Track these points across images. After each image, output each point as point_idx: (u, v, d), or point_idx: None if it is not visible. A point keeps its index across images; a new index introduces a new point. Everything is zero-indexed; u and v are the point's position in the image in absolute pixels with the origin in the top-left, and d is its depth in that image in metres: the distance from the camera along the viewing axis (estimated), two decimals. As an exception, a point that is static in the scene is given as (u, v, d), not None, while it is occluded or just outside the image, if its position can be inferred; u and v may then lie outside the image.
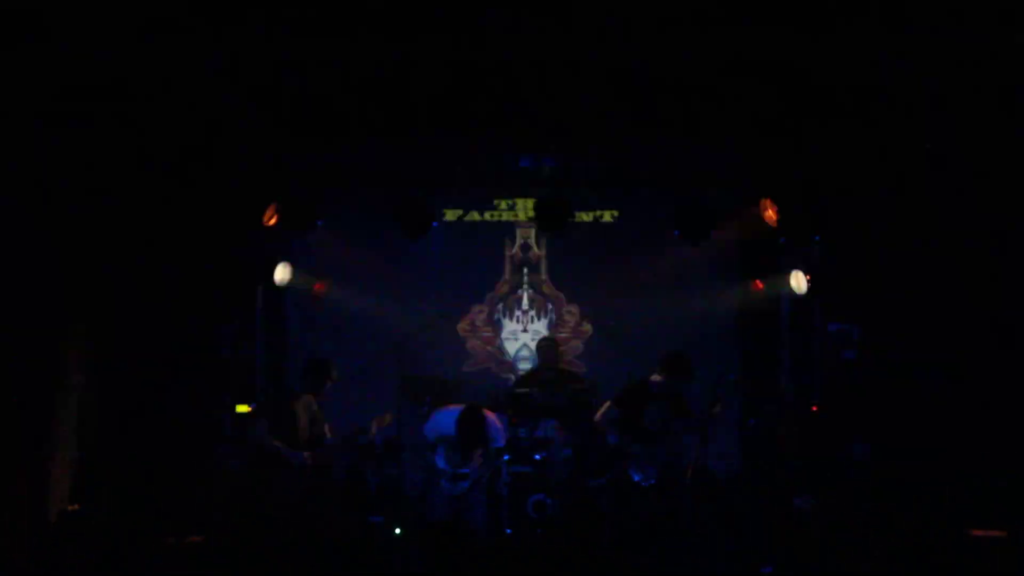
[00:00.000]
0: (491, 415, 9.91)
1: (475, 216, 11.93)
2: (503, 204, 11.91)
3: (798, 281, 10.99)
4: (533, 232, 11.92)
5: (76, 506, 9.60)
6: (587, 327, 11.90)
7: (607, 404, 9.80)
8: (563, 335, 11.85)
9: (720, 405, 9.61)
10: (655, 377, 9.71)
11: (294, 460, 9.54)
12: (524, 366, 11.75)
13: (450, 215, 11.63)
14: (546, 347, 11.23)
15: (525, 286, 11.97)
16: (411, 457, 10.27)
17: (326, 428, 9.84)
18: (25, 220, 8.46)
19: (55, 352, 9.11)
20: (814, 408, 10.92)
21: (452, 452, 9.70)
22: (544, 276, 12.01)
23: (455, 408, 9.97)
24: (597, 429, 9.83)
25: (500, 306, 11.98)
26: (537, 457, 9.96)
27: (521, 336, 11.94)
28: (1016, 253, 9.22)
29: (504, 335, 11.97)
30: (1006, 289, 9.18)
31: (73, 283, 9.39)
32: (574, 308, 11.97)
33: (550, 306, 11.99)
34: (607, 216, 11.85)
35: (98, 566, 7.87)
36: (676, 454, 9.61)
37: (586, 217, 11.42)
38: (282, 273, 10.91)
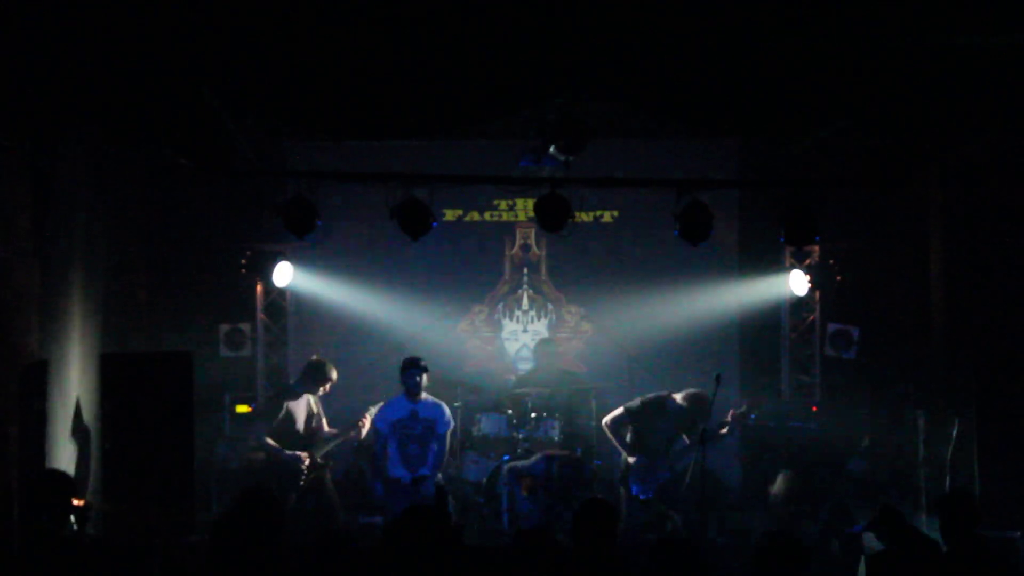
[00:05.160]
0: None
1: (475, 216, 11.92)
2: (503, 204, 11.90)
3: (798, 281, 10.99)
4: (533, 232, 11.90)
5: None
6: (587, 327, 11.88)
7: (621, 409, 9.76)
8: (563, 335, 11.84)
9: (729, 429, 9.64)
10: (676, 398, 9.62)
11: (291, 461, 9.54)
12: (524, 366, 11.74)
13: (450, 215, 11.62)
14: (546, 348, 11.22)
15: (525, 286, 11.96)
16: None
17: (324, 423, 9.85)
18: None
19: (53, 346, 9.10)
20: (814, 408, 10.93)
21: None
22: (544, 276, 12.00)
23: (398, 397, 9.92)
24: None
25: (500, 306, 11.97)
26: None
27: (521, 336, 11.93)
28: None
29: (504, 335, 11.96)
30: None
31: (71, 278, 9.39)
32: (574, 308, 11.95)
33: (550, 306, 11.98)
34: (607, 216, 11.84)
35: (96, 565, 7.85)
36: (677, 470, 9.60)
37: (586, 217, 11.39)
38: (282, 273, 10.92)
